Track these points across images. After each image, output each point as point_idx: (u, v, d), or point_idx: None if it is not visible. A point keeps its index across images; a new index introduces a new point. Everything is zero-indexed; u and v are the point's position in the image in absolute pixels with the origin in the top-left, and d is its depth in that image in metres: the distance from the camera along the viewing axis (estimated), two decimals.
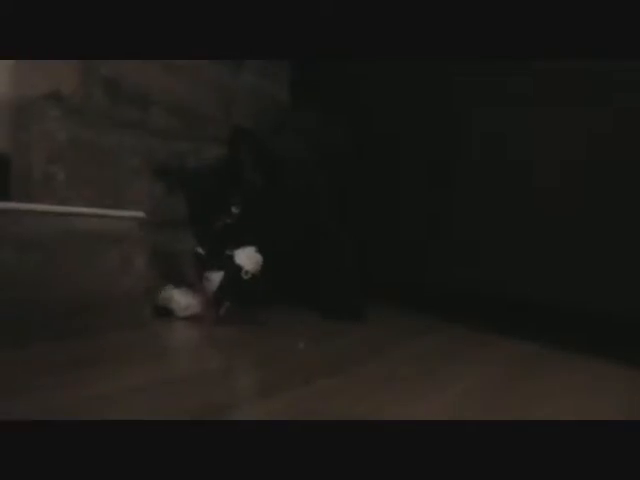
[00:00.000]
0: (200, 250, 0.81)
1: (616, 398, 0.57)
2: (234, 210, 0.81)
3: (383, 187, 1.04)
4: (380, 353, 0.71)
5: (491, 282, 0.88)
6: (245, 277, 0.80)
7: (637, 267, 0.72)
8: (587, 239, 0.77)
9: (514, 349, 0.77)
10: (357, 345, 0.76)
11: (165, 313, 0.80)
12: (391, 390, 0.55)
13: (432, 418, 0.47)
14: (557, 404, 0.54)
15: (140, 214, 0.81)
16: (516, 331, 0.85)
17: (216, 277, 0.80)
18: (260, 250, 0.82)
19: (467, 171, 0.92)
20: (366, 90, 1.07)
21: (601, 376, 0.65)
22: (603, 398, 0.56)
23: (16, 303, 0.66)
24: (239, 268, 0.80)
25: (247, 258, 0.81)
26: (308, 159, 0.92)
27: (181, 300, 0.81)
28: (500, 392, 0.56)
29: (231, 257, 0.80)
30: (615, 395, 0.58)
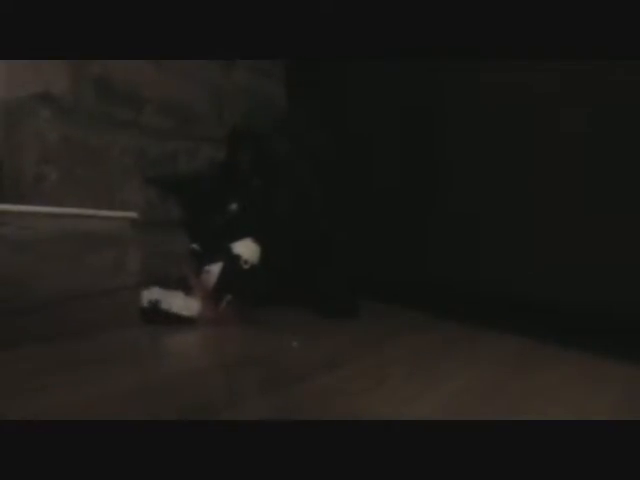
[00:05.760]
0: (196, 246, 0.79)
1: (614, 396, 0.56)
2: (231, 208, 0.80)
3: (381, 184, 1.03)
4: (376, 350, 0.70)
5: (491, 279, 0.87)
6: (245, 267, 0.78)
7: (637, 265, 0.72)
8: (590, 235, 0.76)
9: (512, 346, 0.75)
10: (352, 343, 0.74)
11: (153, 314, 0.76)
12: (387, 388, 0.54)
13: (428, 417, 0.46)
14: (555, 402, 0.52)
15: (133, 214, 0.81)
16: (515, 328, 0.83)
17: (215, 269, 0.77)
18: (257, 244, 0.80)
19: (466, 166, 0.91)
20: (365, 89, 1.06)
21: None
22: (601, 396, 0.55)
23: (7, 304, 0.66)
24: (238, 257, 0.78)
25: (245, 247, 0.79)
26: (299, 160, 0.92)
27: (177, 301, 0.77)
28: (497, 389, 0.54)
29: (229, 248, 0.78)
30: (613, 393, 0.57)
